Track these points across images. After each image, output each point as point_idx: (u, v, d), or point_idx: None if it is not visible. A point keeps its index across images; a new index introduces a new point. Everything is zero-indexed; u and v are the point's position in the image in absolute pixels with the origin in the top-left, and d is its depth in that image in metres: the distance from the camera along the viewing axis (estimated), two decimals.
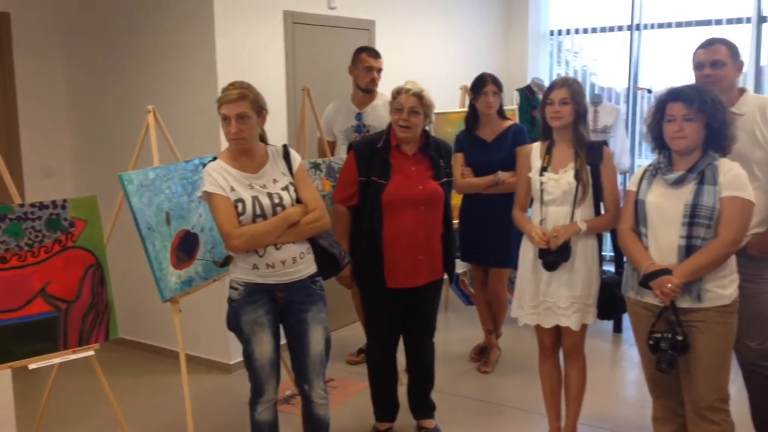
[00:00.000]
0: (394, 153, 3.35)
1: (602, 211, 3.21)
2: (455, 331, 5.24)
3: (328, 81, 4.94)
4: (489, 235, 4.23)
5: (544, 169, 3.19)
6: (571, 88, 3.14)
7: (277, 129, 4.72)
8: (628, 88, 6.79)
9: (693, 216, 2.64)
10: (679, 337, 2.66)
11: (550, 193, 3.16)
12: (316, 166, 4.08)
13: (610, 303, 3.18)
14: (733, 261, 2.73)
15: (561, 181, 3.15)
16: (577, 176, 3.12)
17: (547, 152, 3.22)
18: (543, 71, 7.08)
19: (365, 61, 4.46)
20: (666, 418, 2.96)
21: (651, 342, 2.72)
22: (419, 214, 3.32)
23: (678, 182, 2.70)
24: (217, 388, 4.36)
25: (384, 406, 3.62)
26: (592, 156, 3.16)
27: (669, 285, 2.63)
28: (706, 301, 2.66)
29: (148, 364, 4.76)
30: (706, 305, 2.67)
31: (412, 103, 3.27)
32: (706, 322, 2.68)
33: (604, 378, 4.37)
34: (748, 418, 3.31)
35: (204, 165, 3.12)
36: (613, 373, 4.59)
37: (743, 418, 3.32)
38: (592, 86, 7.06)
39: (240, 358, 4.46)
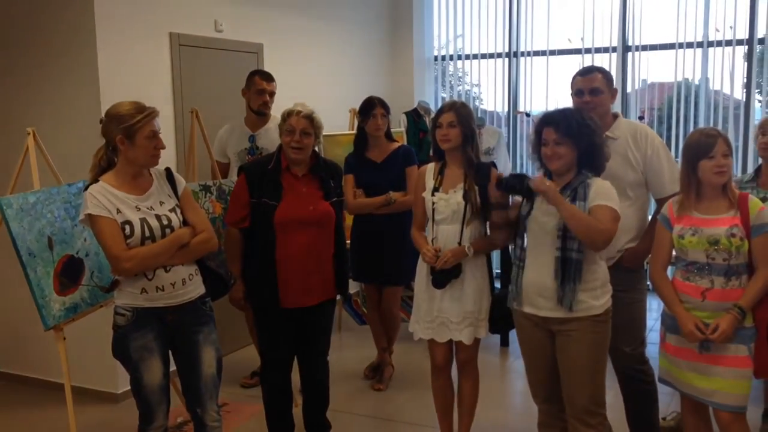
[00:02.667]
0: (285, 174, 3.38)
1: (488, 230, 3.35)
2: (348, 350, 5.28)
3: (218, 103, 4.91)
4: (381, 255, 4.32)
5: (435, 189, 3.32)
6: (458, 111, 3.27)
7: (165, 151, 4.62)
8: (509, 112, 7.13)
9: (566, 229, 2.81)
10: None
11: (441, 212, 3.28)
12: (206, 189, 4.04)
13: (500, 317, 3.30)
14: (606, 274, 2.91)
15: (450, 200, 3.27)
16: (466, 196, 3.25)
17: (440, 173, 3.35)
18: (429, 95, 7.32)
19: (257, 84, 4.48)
20: (550, 423, 3.11)
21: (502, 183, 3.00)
22: (311, 234, 3.36)
23: None
24: (105, 419, 4.19)
25: (279, 428, 3.60)
26: (480, 177, 3.30)
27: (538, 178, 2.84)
28: (577, 312, 2.82)
29: (29, 397, 4.52)
30: (577, 315, 2.83)
31: (304, 125, 3.32)
32: (580, 330, 2.84)
33: (493, 390, 4.52)
34: (625, 422, 3.51)
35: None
36: (502, 385, 4.77)
37: (620, 422, 3.55)
38: (476, 110, 7.36)
39: (128, 387, 4.34)
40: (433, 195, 3.31)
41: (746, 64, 6.15)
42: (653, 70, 6.62)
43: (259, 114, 4.53)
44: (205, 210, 4.05)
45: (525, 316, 2.98)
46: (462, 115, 3.27)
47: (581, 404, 2.88)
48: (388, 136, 4.40)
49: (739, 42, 6.15)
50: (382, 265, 4.34)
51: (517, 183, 2.94)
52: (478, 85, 7.47)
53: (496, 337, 5.38)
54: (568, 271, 2.80)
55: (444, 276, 3.22)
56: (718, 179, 2.81)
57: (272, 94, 4.51)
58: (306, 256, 3.35)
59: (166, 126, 4.62)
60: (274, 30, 5.58)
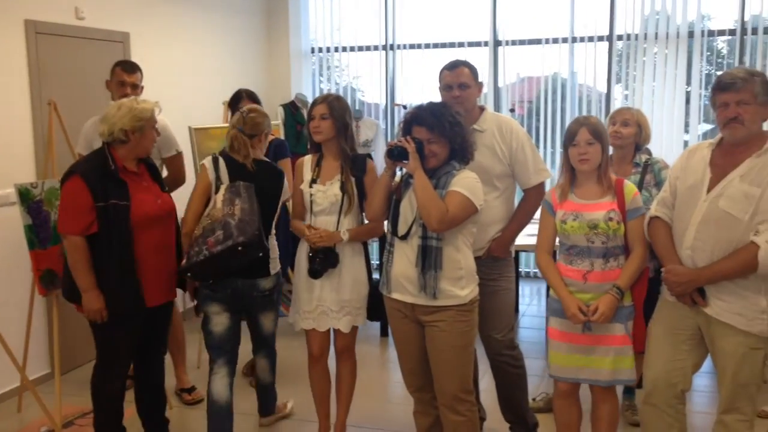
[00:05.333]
0: (123, 172, 3.21)
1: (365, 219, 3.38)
2: None
3: (81, 95, 4.67)
4: None
5: (313, 181, 3.32)
6: (330, 104, 3.28)
7: (23, 144, 4.39)
8: (387, 104, 7.19)
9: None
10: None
11: (319, 203, 3.30)
12: None
13: (376, 305, 3.35)
14: (470, 264, 2.96)
15: (328, 192, 3.29)
16: (343, 188, 3.28)
17: (317, 165, 3.36)
18: (306, 88, 7.27)
19: (118, 75, 4.26)
20: (424, 411, 3.17)
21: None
22: (161, 229, 3.29)
23: None
24: None
25: None
26: (356, 168, 3.33)
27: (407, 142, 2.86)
28: (440, 300, 2.88)
29: None
30: (440, 303, 2.89)
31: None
32: (446, 321, 2.90)
33: (372, 380, 4.56)
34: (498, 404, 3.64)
35: None
36: (381, 375, 4.81)
37: (495, 404, 3.66)
38: (355, 102, 7.38)
39: (10, 386, 4.05)
40: (310, 187, 3.32)
41: (608, 58, 6.49)
42: (525, 64, 6.86)
43: None
44: None
45: (394, 305, 3.02)
46: (335, 107, 3.28)
47: (450, 392, 2.95)
48: None
49: (600, 38, 6.49)
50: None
51: (405, 151, 2.88)
52: (359, 77, 7.49)
53: (376, 328, 5.43)
54: (429, 259, 2.85)
55: (321, 266, 3.25)
56: (580, 166, 2.94)
57: (134, 86, 4.28)
58: (160, 251, 3.29)
59: (22, 119, 4.37)
60: (141, 18, 5.36)
